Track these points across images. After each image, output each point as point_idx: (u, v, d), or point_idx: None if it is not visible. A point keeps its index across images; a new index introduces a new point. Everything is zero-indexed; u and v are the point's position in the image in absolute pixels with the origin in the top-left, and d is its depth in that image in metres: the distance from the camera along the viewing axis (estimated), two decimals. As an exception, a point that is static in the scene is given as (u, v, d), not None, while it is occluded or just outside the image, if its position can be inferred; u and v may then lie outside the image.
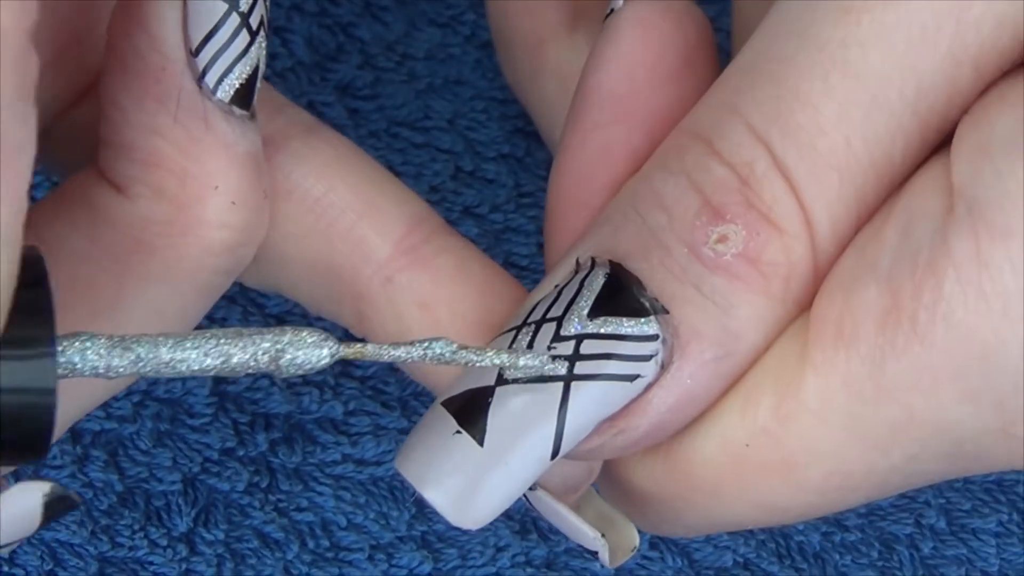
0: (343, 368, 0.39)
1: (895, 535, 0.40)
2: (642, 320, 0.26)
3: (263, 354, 0.24)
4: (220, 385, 0.39)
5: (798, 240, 0.26)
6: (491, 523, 0.27)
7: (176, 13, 0.26)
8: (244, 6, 0.26)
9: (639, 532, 0.29)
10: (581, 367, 0.26)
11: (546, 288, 0.27)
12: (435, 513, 0.27)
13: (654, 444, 0.27)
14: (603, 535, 0.28)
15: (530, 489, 0.27)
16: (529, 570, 0.39)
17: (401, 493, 0.39)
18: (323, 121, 0.31)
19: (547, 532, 0.39)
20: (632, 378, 0.26)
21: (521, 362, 0.26)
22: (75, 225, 0.27)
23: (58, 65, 0.28)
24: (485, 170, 0.41)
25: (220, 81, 0.26)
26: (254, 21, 0.26)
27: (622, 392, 0.26)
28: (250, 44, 0.26)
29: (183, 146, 0.26)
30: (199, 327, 0.28)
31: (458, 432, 0.26)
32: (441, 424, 0.27)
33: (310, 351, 0.24)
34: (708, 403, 0.27)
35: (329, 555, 0.38)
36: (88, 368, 0.23)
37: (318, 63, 0.41)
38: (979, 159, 0.25)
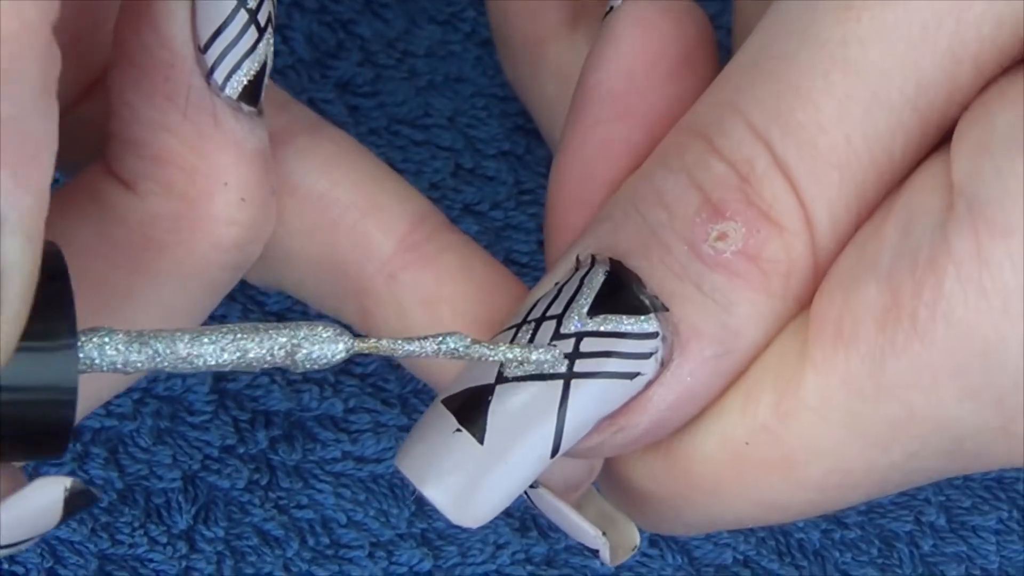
0: (343, 365, 0.39)
1: (895, 532, 0.40)
2: (642, 318, 0.26)
3: (279, 349, 0.24)
4: (220, 383, 0.39)
5: (798, 237, 0.26)
6: (491, 520, 0.27)
7: (185, 10, 0.26)
8: (252, 3, 0.26)
9: (639, 530, 0.29)
10: (581, 365, 0.26)
11: (546, 286, 0.27)
12: (435, 510, 0.27)
13: (654, 442, 0.27)
14: (604, 533, 0.28)
15: (531, 487, 0.27)
16: (529, 567, 0.38)
17: (401, 490, 0.39)
18: (323, 118, 0.31)
19: (547, 529, 0.39)
20: (632, 376, 0.26)
21: (533, 356, 0.26)
22: (84, 221, 0.27)
23: (64, 61, 0.28)
24: (485, 167, 0.41)
25: (229, 78, 0.26)
26: (262, 17, 0.26)
27: (622, 390, 0.26)
28: (258, 40, 0.26)
29: (192, 143, 0.26)
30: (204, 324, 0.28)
31: (458, 430, 0.26)
32: (441, 422, 0.27)
33: (325, 346, 0.24)
34: (708, 401, 0.27)
35: (329, 552, 0.38)
36: (106, 363, 0.23)
37: (318, 60, 0.41)
38: (979, 156, 0.25)
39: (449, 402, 0.27)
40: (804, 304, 0.26)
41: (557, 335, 0.26)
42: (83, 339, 0.23)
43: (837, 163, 0.26)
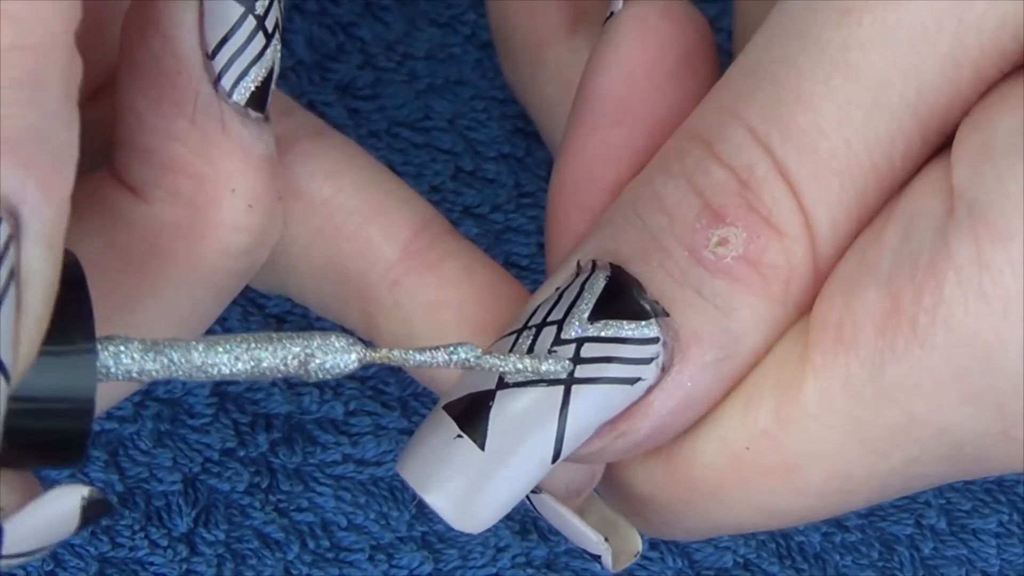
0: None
1: (895, 535, 0.40)
2: (643, 323, 0.26)
3: (292, 358, 0.24)
4: (220, 385, 0.39)
5: (798, 242, 0.26)
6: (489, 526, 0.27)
7: (192, 16, 0.26)
8: (260, 9, 0.26)
9: (640, 535, 0.29)
10: (582, 370, 0.26)
11: (547, 291, 0.27)
12: (436, 514, 0.27)
13: (655, 447, 0.27)
14: (606, 539, 0.28)
15: (534, 492, 0.27)
16: (529, 571, 0.38)
17: (401, 493, 0.39)
18: (324, 121, 0.31)
19: (547, 533, 0.39)
20: (633, 381, 0.26)
21: (543, 367, 0.26)
22: (90, 228, 0.27)
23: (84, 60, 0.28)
24: (485, 170, 0.41)
25: (236, 84, 0.26)
26: (269, 24, 0.26)
27: (623, 395, 0.26)
28: (265, 47, 0.26)
29: (200, 149, 0.26)
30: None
31: (459, 436, 0.26)
32: (442, 428, 0.27)
33: (338, 356, 0.24)
34: (708, 406, 0.27)
35: (329, 555, 0.38)
36: (122, 372, 0.23)
37: (318, 63, 0.41)
38: (980, 161, 0.25)
39: (450, 408, 0.27)
40: (804, 309, 0.26)
41: (558, 340, 0.26)
42: (104, 348, 0.23)
43: (838, 168, 0.26)
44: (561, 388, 0.26)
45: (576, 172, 0.29)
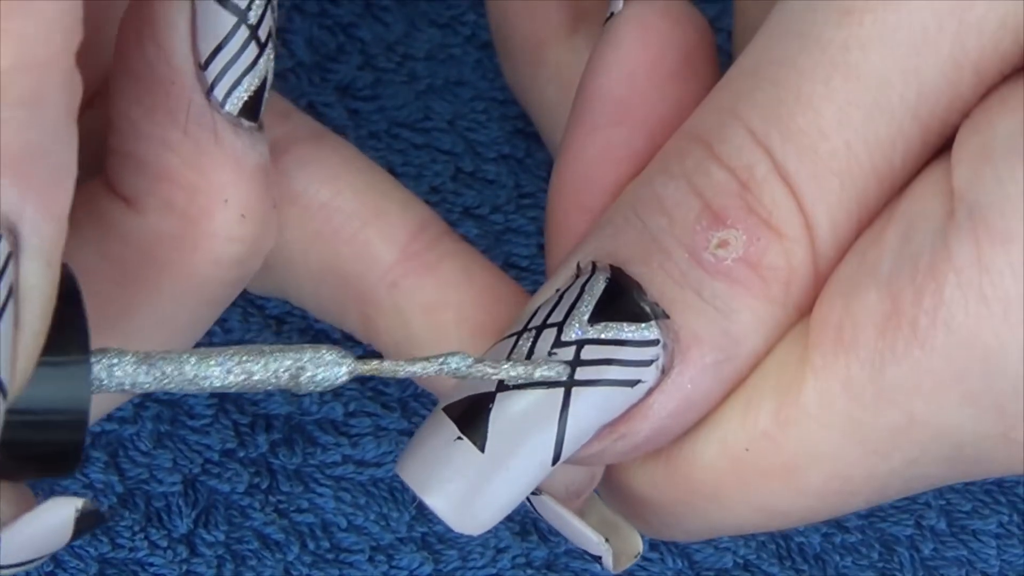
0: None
1: (895, 536, 0.40)
2: (643, 325, 0.26)
3: (283, 371, 0.24)
4: (220, 386, 0.39)
5: (799, 244, 0.26)
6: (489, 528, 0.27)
7: (185, 26, 0.26)
8: (253, 19, 0.26)
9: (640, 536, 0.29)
10: (582, 372, 0.26)
11: (547, 293, 0.27)
12: (436, 515, 0.27)
13: (655, 449, 0.27)
14: (607, 540, 0.28)
15: (534, 494, 0.27)
16: (529, 571, 0.38)
17: (401, 494, 0.39)
18: (323, 122, 0.31)
19: (547, 534, 0.39)
20: (633, 383, 0.26)
21: (537, 374, 0.26)
22: (84, 238, 0.27)
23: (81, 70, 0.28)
24: (485, 171, 0.41)
25: (229, 94, 0.26)
26: (263, 33, 0.26)
27: (623, 397, 0.26)
28: (259, 56, 0.26)
29: (192, 160, 0.26)
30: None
31: (459, 438, 0.26)
32: (442, 430, 0.27)
33: (329, 369, 0.24)
34: (708, 408, 0.27)
35: (329, 556, 0.38)
36: (115, 384, 0.24)
37: (318, 64, 0.41)
38: (980, 163, 0.25)
39: (450, 410, 0.27)
40: (805, 311, 0.26)
41: (558, 343, 0.26)
42: (98, 360, 0.23)
43: (838, 170, 0.25)
44: (561, 390, 0.26)
45: (576, 173, 0.29)
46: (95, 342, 0.24)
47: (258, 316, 0.39)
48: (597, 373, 0.26)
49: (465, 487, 0.26)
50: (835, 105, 0.25)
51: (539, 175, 0.41)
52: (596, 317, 0.26)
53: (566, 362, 0.26)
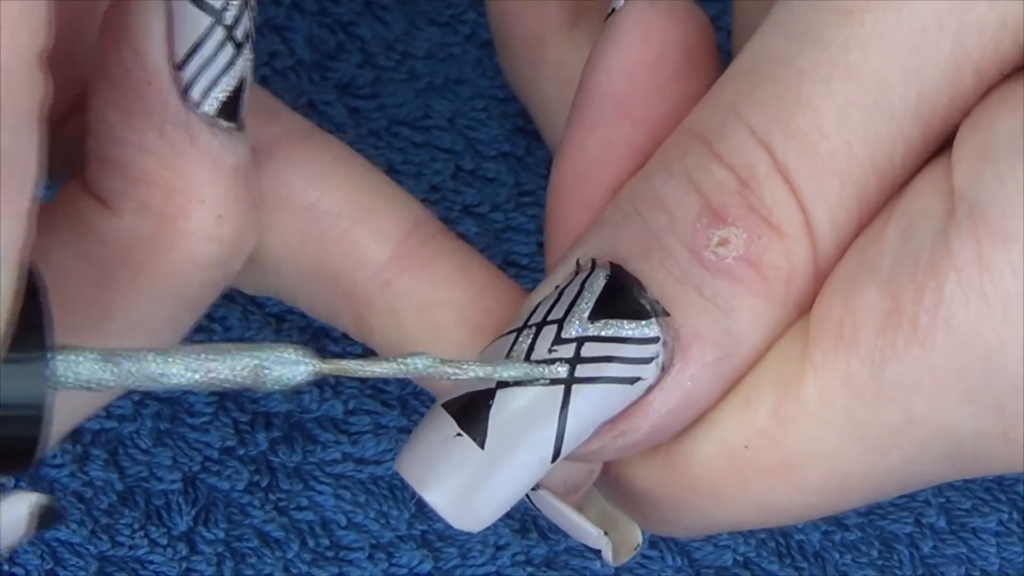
0: (343, 367, 0.39)
1: (895, 534, 0.40)
2: (643, 322, 0.26)
3: (243, 369, 0.24)
4: (220, 384, 0.39)
5: (799, 243, 0.26)
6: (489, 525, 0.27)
7: (161, 28, 0.26)
8: (229, 19, 0.26)
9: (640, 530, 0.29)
10: (582, 370, 0.26)
11: (546, 289, 0.27)
12: (435, 512, 0.27)
13: (654, 445, 0.27)
14: (606, 533, 0.28)
15: (533, 489, 0.27)
16: (529, 569, 0.39)
17: (401, 492, 0.39)
18: (323, 120, 0.31)
19: (547, 531, 0.39)
20: (633, 381, 0.26)
21: (505, 373, 0.26)
22: (62, 240, 0.27)
23: (60, 77, 0.28)
24: (485, 169, 0.41)
25: (205, 95, 0.26)
26: (239, 34, 0.26)
27: (623, 395, 0.26)
28: (236, 57, 0.26)
29: (168, 161, 0.26)
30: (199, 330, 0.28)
31: (459, 434, 0.26)
32: (442, 426, 0.26)
33: (289, 367, 0.24)
34: (708, 405, 0.27)
35: (329, 554, 0.38)
36: (76, 382, 0.23)
37: (318, 62, 0.41)
38: (980, 162, 0.25)
39: (449, 406, 0.27)
40: (804, 309, 0.26)
41: (558, 340, 0.26)
42: (53, 357, 0.23)
43: (838, 170, 0.25)
44: (561, 387, 0.26)
45: (576, 169, 0.29)
46: (77, 342, 0.24)
47: (258, 314, 0.39)
48: (597, 370, 0.26)
49: (464, 483, 0.26)
50: (835, 105, 0.25)
51: (539, 173, 0.41)
52: (596, 314, 0.26)
53: (566, 359, 0.26)
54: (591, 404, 0.26)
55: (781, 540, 0.39)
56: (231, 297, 0.39)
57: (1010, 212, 0.24)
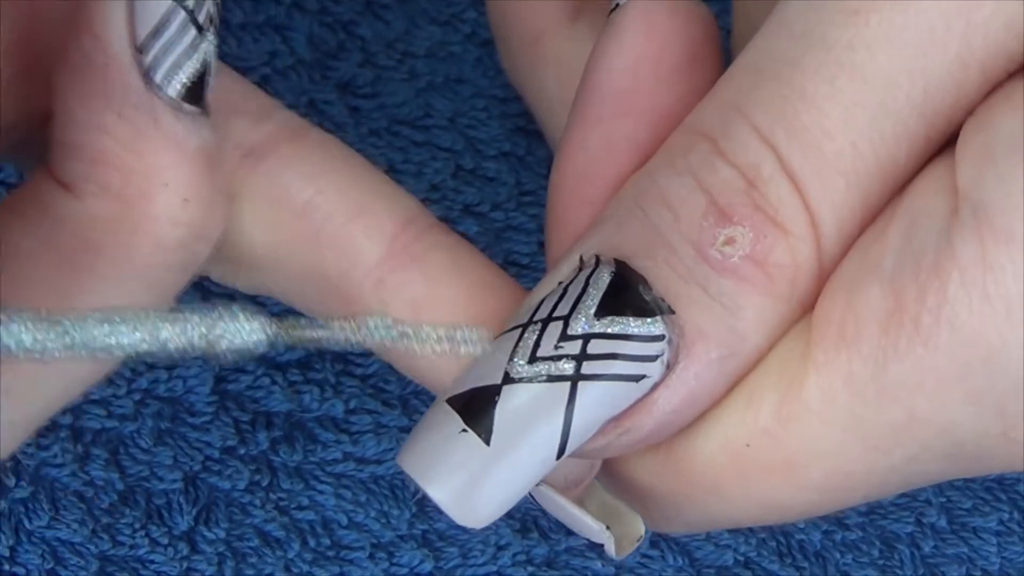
0: (343, 367, 0.39)
1: (896, 534, 0.40)
2: (648, 320, 0.26)
3: (195, 334, 0.24)
4: (221, 384, 0.39)
5: (804, 241, 0.26)
6: (492, 522, 0.27)
7: (120, 11, 0.26)
8: (191, 2, 0.26)
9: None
10: (588, 367, 0.26)
11: (550, 285, 0.27)
12: (436, 511, 0.27)
13: (658, 442, 0.27)
14: (608, 527, 0.28)
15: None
16: (530, 568, 0.39)
17: (402, 491, 0.39)
18: (324, 119, 0.31)
19: (548, 531, 0.39)
20: (638, 378, 0.26)
21: (464, 349, 0.26)
22: (27, 226, 0.26)
23: (30, 78, 0.28)
24: (486, 168, 0.41)
25: (168, 77, 0.26)
26: (201, 16, 0.26)
27: (628, 392, 0.26)
28: (199, 40, 0.26)
29: (129, 143, 0.26)
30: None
31: (464, 430, 0.26)
32: (446, 421, 0.26)
33: (244, 334, 0.24)
34: (712, 403, 0.27)
35: (330, 554, 0.38)
36: (15, 346, 0.23)
37: (319, 61, 0.41)
38: (984, 161, 0.25)
39: (454, 401, 0.27)
40: (808, 307, 0.26)
41: (564, 336, 0.26)
42: None
43: (843, 169, 0.25)
44: (567, 384, 0.26)
45: (578, 165, 0.29)
46: (13, 307, 0.23)
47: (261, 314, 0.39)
48: (603, 368, 0.26)
49: (469, 480, 0.26)
50: (840, 105, 0.25)
51: (539, 172, 0.41)
52: (601, 311, 0.26)
53: (572, 356, 0.26)
54: (597, 401, 0.26)
55: (782, 539, 0.39)
56: (230, 295, 0.39)
57: (1013, 212, 0.24)
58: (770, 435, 0.26)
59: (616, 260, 0.26)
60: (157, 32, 0.26)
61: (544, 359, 0.26)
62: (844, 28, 0.25)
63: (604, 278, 0.26)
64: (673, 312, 0.26)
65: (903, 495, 0.40)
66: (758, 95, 0.26)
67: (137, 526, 0.38)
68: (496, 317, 0.28)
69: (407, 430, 0.39)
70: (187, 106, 0.26)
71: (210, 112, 0.27)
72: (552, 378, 0.26)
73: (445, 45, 0.42)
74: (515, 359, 0.26)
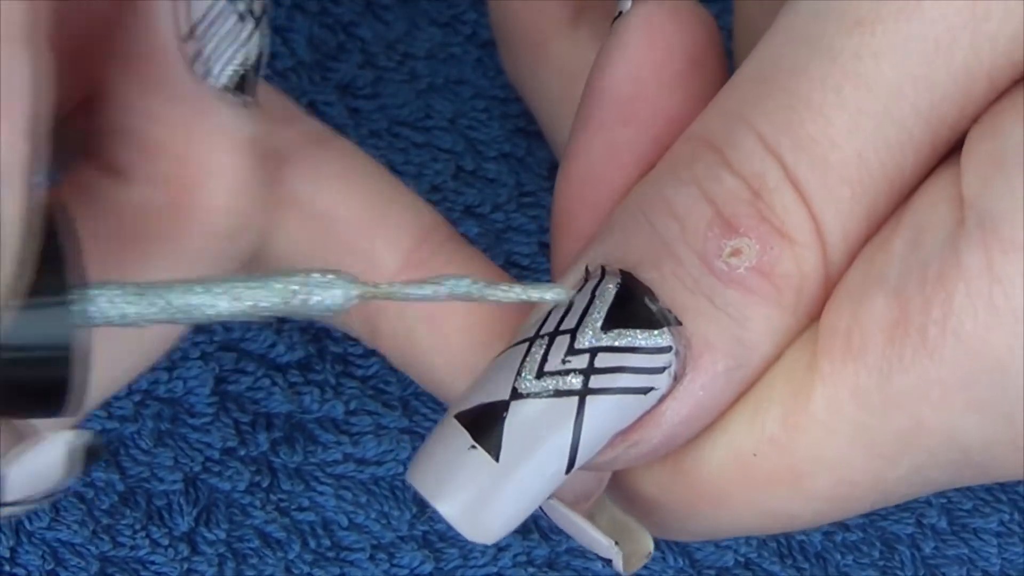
0: (344, 368, 0.39)
1: (896, 535, 0.40)
2: (655, 332, 0.26)
3: (286, 295, 0.24)
4: (221, 385, 0.39)
5: (810, 251, 0.26)
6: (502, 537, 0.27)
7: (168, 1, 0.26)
8: None
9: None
10: (596, 380, 0.26)
11: (556, 297, 0.27)
12: (437, 513, 0.27)
13: (665, 454, 0.27)
14: (617, 543, 0.28)
15: (544, 499, 0.27)
16: (531, 569, 0.39)
17: (402, 493, 0.39)
18: (324, 121, 0.31)
19: (548, 532, 0.39)
20: (646, 391, 0.26)
21: (548, 296, 0.26)
22: (75, 217, 0.27)
23: (72, 70, 0.28)
24: (486, 169, 0.41)
25: (217, 66, 0.26)
26: (256, 9, 0.26)
27: (636, 404, 0.26)
28: (248, 31, 0.26)
29: (180, 131, 0.26)
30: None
31: (473, 447, 0.26)
32: (455, 438, 0.26)
33: (331, 291, 0.24)
34: (719, 413, 0.26)
35: (330, 555, 0.38)
36: (103, 317, 0.23)
37: (319, 62, 0.41)
38: (990, 170, 0.25)
39: (462, 417, 0.27)
40: (814, 316, 0.26)
41: (571, 350, 0.26)
42: (79, 294, 0.23)
43: (849, 178, 0.25)
44: (575, 398, 0.26)
45: (582, 171, 0.29)
46: (96, 281, 0.23)
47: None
48: (611, 381, 0.26)
49: (479, 496, 0.26)
50: (846, 114, 0.25)
51: (540, 173, 0.41)
52: (608, 323, 0.26)
53: (580, 370, 0.26)
54: (605, 415, 0.26)
55: (783, 540, 0.39)
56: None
57: (1019, 222, 0.24)
58: (777, 445, 0.26)
59: (622, 271, 0.26)
60: (207, 21, 0.26)
61: (551, 374, 0.26)
62: (849, 37, 0.25)
63: (610, 290, 0.26)
64: (680, 323, 0.26)
65: (904, 497, 0.40)
66: (763, 104, 0.26)
67: (137, 527, 0.38)
68: (508, 329, 0.28)
69: (407, 431, 0.39)
70: (236, 96, 0.26)
71: (259, 103, 0.27)
72: (560, 393, 0.26)
73: (446, 46, 0.42)
74: (523, 374, 0.26)
